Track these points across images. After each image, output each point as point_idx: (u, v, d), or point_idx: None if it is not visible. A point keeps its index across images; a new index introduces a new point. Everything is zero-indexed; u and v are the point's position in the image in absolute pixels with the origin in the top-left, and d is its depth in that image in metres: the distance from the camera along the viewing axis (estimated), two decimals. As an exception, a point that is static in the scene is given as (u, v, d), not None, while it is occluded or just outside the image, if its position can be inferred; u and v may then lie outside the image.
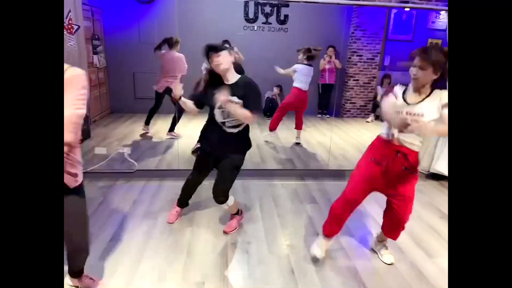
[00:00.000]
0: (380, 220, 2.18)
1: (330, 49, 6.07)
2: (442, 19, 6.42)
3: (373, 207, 2.82)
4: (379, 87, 6.32)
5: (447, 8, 3.18)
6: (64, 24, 3.95)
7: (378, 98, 6.24)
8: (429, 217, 2.81)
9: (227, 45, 6.16)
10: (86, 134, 4.39)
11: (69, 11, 4.03)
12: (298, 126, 4.56)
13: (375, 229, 2.50)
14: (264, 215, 2.71)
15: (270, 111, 6.30)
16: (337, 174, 3.61)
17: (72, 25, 4.15)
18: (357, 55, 6.26)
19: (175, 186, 3.20)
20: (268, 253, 2.22)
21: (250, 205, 2.87)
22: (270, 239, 2.38)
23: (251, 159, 3.76)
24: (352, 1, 3.10)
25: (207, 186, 2.41)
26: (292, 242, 2.36)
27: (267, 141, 4.59)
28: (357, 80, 6.41)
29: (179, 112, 4.45)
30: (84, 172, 1.55)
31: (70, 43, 4.19)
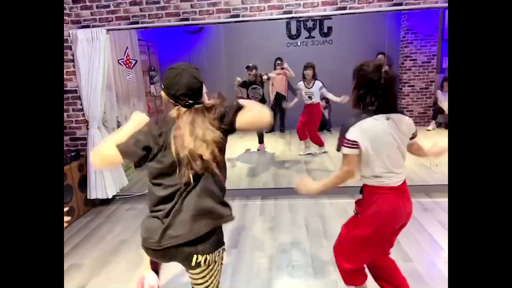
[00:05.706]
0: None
1: (380, 56, 5.79)
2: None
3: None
4: (439, 92, 5.80)
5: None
6: (123, 59, 4.40)
7: (439, 103, 5.73)
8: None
9: (279, 62, 6.28)
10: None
11: (127, 48, 4.49)
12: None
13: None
14: (310, 236, 2.61)
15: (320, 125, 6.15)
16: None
17: (130, 60, 4.60)
18: (410, 60, 5.86)
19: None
20: (314, 278, 2.12)
21: (296, 226, 2.79)
22: (316, 264, 2.27)
23: (292, 175, 3.79)
24: (392, 7, 2.93)
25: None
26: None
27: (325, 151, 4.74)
28: (413, 86, 5.98)
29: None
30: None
31: (129, 76, 4.65)
